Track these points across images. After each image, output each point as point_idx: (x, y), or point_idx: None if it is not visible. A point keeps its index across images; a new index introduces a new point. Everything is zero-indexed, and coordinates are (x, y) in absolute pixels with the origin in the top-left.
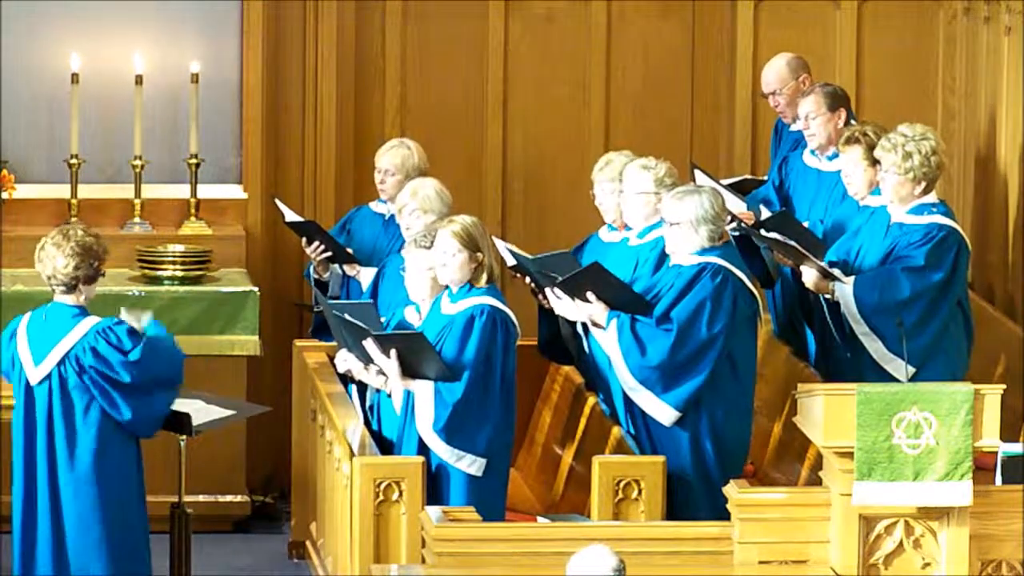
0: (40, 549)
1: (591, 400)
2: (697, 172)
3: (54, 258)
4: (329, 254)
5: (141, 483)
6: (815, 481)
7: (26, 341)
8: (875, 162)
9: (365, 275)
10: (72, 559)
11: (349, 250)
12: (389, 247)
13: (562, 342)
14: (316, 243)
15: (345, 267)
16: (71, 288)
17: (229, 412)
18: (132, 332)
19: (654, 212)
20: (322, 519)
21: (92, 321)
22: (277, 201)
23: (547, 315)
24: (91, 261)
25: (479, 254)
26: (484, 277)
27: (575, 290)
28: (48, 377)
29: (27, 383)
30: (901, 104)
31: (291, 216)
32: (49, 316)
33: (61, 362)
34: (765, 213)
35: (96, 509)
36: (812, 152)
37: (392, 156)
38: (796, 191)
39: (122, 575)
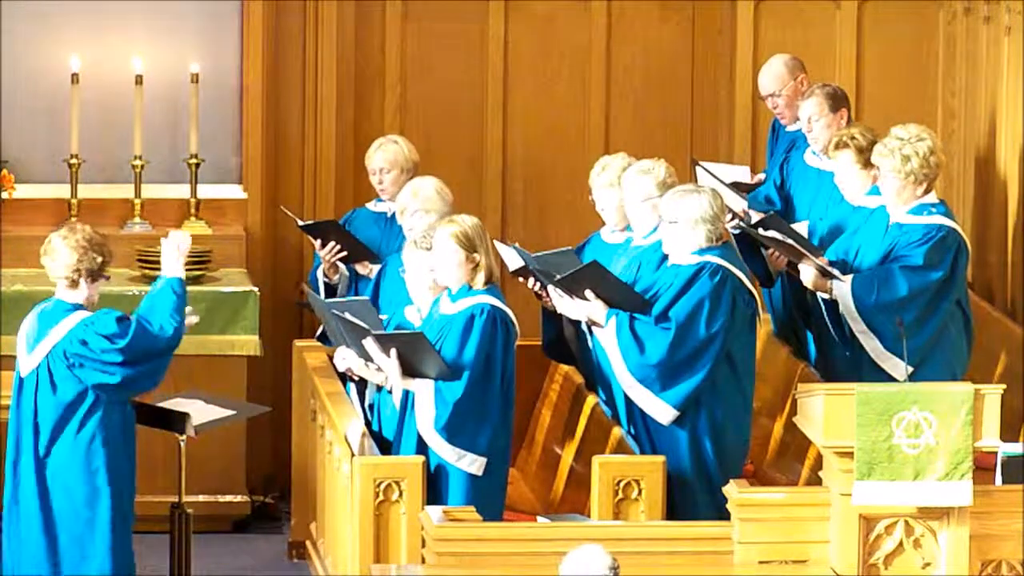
0: (29, 546)
1: (591, 400)
2: (699, 169)
3: (59, 251)
4: (344, 254)
5: (131, 479)
6: (815, 481)
7: (24, 332)
8: (867, 164)
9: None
10: (63, 555)
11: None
12: (390, 246)
13: (566, 343)
14: (332, 243)
15: (357, 266)
16: (74, 283)
17: (229, 412)
18: (121, 320)
19: (658, 215)
20: (322, 519)
21: (82, 315)
22: (283, 208)
23: (551, 316)
24: (94, 255)
25: (476, 255)
26: (481, 278)
27: (574, 288)
28: (36, 369)
29: (20, 375)
30: (901, 104)
31: (303, 220)
32: (47, 310)
33: (49, 354)
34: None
35: (83, 505)
36: (813, 152)
37: (384, 153)
38: (797, 190)
39: (110, 572)
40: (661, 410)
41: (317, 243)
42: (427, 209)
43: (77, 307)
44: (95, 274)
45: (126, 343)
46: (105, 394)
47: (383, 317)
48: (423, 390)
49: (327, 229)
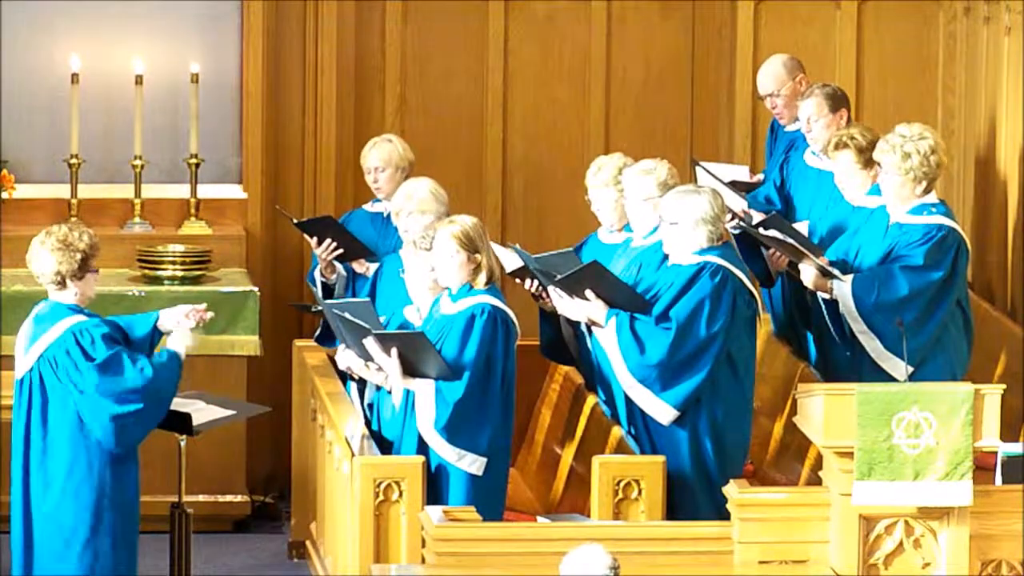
0: (12, 547)
1: (591, 400)
2: (699, 169)
3: (39, 256)
4: (340, 251)
5: (130, 485)
6: (815, 481)
7: (22, 334)
8: (867, 164)
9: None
10: (39, 558)
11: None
12: (386, 246)
13: (564, 344)
14: (328, 241)
15: (354, 265)
16: (61, 284)
17: (229, 412)
18: (109, 338)
19: (659, 215)
20: (322, 519)
21: (73, 320)
22: (279, 207)
23: (548, 317)
24: (72, 255)
25: (477, 255)
26: (483, 278)
27: (574, 288)
28: (30, 371)
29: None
30: (901, 104)
31: (298, 218)
32: (42, 313)
33: (40, 358)
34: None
35: (69, 508)
36: (813, 152)
37: (379, 152)
38: (797, 191)
39: None
40: (661, 410)
41: (313, 241)
42: (422, 210)
43: (72, 309)
44: (79, 273)
45: (105, 360)
46: (81, 412)
47: (382, 318)
48: (423, 390)
49: (323, 227)
